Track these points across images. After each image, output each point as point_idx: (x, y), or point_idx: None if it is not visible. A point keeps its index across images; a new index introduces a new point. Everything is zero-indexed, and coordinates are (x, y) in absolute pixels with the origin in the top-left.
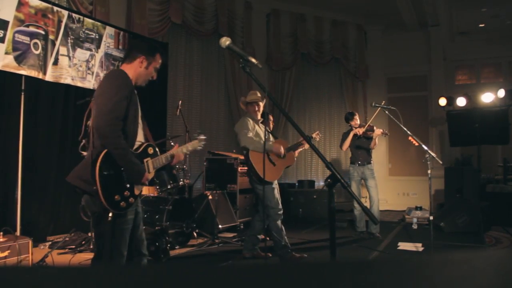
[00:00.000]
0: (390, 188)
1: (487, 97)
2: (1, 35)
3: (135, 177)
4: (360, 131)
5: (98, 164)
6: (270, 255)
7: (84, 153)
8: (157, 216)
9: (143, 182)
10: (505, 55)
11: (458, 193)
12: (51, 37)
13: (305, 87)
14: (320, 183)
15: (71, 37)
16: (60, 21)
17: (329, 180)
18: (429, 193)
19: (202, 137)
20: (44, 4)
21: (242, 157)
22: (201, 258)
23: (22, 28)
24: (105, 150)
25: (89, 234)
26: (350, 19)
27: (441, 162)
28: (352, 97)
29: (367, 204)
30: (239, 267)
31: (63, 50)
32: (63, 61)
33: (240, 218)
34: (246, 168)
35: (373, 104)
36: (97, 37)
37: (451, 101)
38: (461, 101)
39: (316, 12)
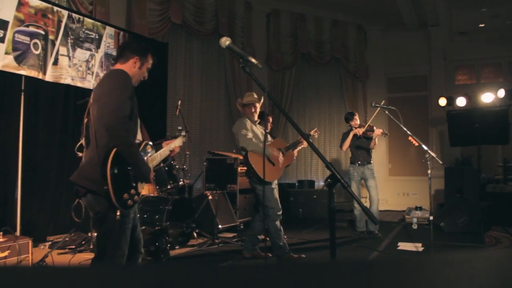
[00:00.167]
0: (390, 188)
1: (487, 97)
2: (1, 35)
3: (143, 175)
4: (360, 131)
5: (109, 163)
6: (270, 255)
7: (80, 154)
8: (157, 216)
9: (149, 180)
10: (505, 55)
11: (458, 193)
12: (51, 37)
13: (305, 87)
14: (320, 183)
15: (71, 37)
16: (60, 21)
17: (329, 180)
18: (429, 193)
19: (184, 133)
20: (44, 4)
21: (241, 157)
22: (201, 258)
23: (22, 28)
24: (115, 149)
25: (89, 234)
26: (350, 19)
27: (441, 162)
28: (352, 97)
29: (367, 204)
30: (239, 267)
31: (63, 50)
32: (63, 61)
33: (240, 218)
34: (246, 168)
35: (373, 104)
36: (97, 37)
37: (451, 101)
38: (461, 101)
39: (316, 12)
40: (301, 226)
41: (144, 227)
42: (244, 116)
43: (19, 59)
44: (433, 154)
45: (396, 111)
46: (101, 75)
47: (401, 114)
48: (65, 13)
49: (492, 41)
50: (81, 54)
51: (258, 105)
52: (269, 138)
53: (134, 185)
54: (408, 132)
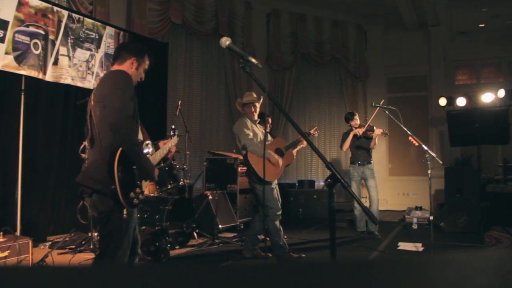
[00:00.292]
0: (390, 188)
1: (487, 97)
2: (1, 35)
3: (148, 173)
4: (360, 131)
5: (116, 163)
6: (270, 255)
7: (84, 155)
8: (157, 216)
9: (154, 177)
10: (505, 55)
11: (458, 193)
12: (51, 37)
13: (305, 87)
14: (320, 183)
15: (71, 37)
16: (60, 21)
17: (329, 180)
18: (429, 193)
19: (177, 132)
20: (44, 4)
21: (241, 157)
22: (201, 258)
23: (22, 28)
24: (120, 149)
25: (89, 234)
26: (350, 19)
27: (441, 162)
28: (352, 97)
29: (367, 204)
30: (239, 267)
31: (63, 50)
32: (63, 61)
33: (240, 218)
34: (246, 168)
35: (373, 104)
36: (97, 37)
37: (451, 101)
38: (461, 101)
39: (316, 12)
40: (301, 226)
41: (144, 227)
42: (244, 116)
43: (19, 59)
44: (433, 154)
45: (396, 111)
46: (101, 75)
47: (401, 114)
48: (65, 13)
49: (492, 41)
50: (81, 54)
51: (257, 105)
52: (269, 137)
53: (139, 183)
54: (408, 132)
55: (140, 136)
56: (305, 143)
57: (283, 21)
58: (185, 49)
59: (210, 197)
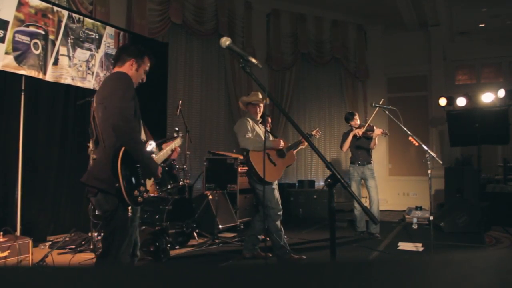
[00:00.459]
0: (390, 188)
1: (487, 97)
2: (1, 35)
3: (151, 171)
4: (360, 132)
5: (119, 161)
6: (270, 255)
7: (94, 156)
8: (157, 216)
9: (157, 175)
10: (505, 55)
11: (458, 193)
12: (51, 37)
13: (305, 87)
14: (320, 183)
15: (71, 37)
16: (60, 21)
17: (329, 180)
18: (429, 193)
19: (181, 134)
20: (44, 4)
21: (242, 157)
22: (201, 258)
23: (22, 28)
24: (123, 148)
25: (89, 234)
26: (350, 19)
27: (441, 162)
28: (352, 97)
29: (367, 204)
30: (239, 267)
31: (63, 50)
32: (63, 61)
33: (240, 218)
34: (246, 168)
35: (373, 104)
36: (97, 37)
37: (451, 101)
38: (461, 101)
39: (316, 12)
40: (301, 226)
41: (144, 227)
42: (246, 115)
43: (19, 59)
44: (433, 154)
45: (396, 111)
46: (101, 75)
47: (401, 114)
48: (65, 13)
49: (492, 41)
50: (81, 54)
51: (262, 105)
52: (271, 137)
53: (143, 182)
54: (408, 132)
55: (143, 136)
56: (306, 144)
57: (283, 21)
58: (185, 49)
59: (210, 197)
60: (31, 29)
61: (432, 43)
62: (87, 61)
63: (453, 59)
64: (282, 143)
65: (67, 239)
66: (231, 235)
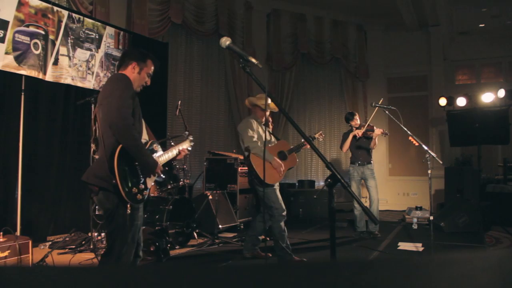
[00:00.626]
0: (390, 188)
1: (487, 97)
2: (1, 35)
3: (149, 168)
4: (359, 132)
5: (115, 159)
6: (270, 255)
7: (96, 157)
8: (157, 216)
9: (156, 172)
10: (505, 55)
11: (458, 193)
12: (51, 37)
13: (305, 87)
14: (320, 183)
15: (71, 37)
16: (60, 21)
17: (329, 180)
18: (429, 193)
19: (191, 137)
20: (44, 4)
21: (242, 157)
22: (201, 258)
23: (22, 28)
24: (120, 146)
25: (89, 234)
26: (350, 19)
27: (441, 162)
28: (352, 97)
29: (367, 204)
30: (239, 267)
31: (63, 50)
32: (63, 61)
33: (240, 218)
34: (246, 168)
35: (373, 104)
36: (97, 37)
37: (451, 101)
38: (461, 101)
39: (316, 12)
40: (301, 226)
41: (144, 227)
42: (251, 116)
43: (19, 59)
44: (433, 154)
45: (396, 111)
46: (101, 75)
47: (401, 114)
48: (65, 13)
49: (492, 41)
50: (81, 54)
51: (268, 113)
52: (273, 139)
53: (142, 180)
54: (409, 132)
55: (146, 136)
56: (309, 146)
57: (283, 21)
58: (185, 49)
59: (210, 197)
60: (31, 29)
61: (432, 43)
62: (87, 61)
63: (453, 59)
64: (282, 169)
65: (67, 239)
66: (231, 235)
